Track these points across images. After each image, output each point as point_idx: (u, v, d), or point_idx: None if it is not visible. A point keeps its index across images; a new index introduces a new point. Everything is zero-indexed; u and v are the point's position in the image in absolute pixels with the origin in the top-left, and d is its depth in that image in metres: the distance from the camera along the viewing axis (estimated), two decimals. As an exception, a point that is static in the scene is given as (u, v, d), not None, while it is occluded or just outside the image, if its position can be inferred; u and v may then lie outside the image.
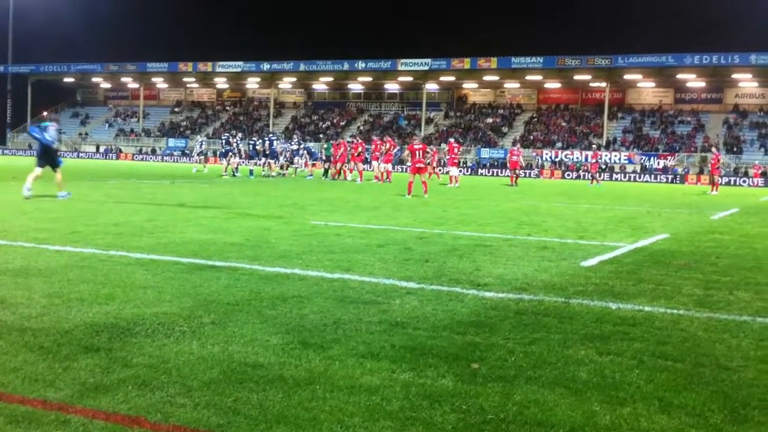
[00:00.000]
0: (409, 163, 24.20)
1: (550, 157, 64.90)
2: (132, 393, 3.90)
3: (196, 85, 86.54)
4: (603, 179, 51.91)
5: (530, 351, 5.01)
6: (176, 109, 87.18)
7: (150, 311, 5.70)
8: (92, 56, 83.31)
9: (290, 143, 38.61)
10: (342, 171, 35.78)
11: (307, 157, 38.17)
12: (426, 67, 69.18)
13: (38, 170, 17.06)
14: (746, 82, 64.88)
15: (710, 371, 4.72)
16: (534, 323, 5.80)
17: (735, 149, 61.44)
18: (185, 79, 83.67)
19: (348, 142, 37.26)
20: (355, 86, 79.60)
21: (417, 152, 23.36)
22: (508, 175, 37.70)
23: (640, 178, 59.17)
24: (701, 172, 57.22)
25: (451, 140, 38.51)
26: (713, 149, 45.70)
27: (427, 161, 26.81)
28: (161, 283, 6.84)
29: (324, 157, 37.55)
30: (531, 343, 5.22)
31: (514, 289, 7.18)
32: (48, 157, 17.38)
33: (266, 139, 38.00)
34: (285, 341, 5.01)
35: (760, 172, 56.27)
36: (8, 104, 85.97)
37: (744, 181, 55.75)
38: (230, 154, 36.62)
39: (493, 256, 9.49)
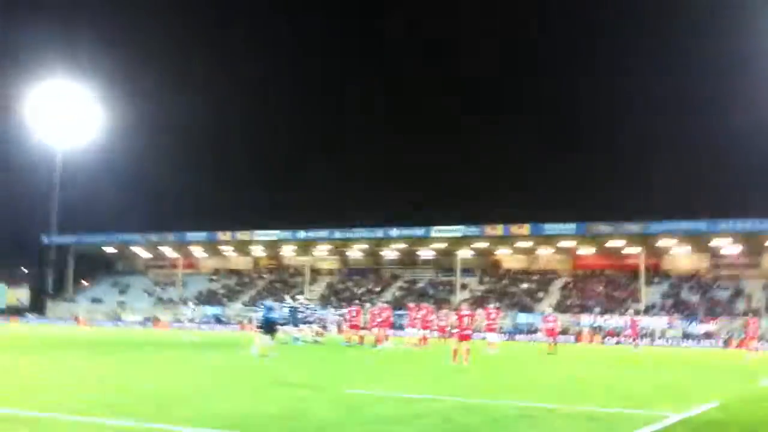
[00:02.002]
0: (456, 330, 23.68)
1: (589, 323, 64.01)
2: None
3: (233, 254, 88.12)
4: (644, 344, 50.83)
5: None
6: (213, 277, 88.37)
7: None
8: (132, 226, 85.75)
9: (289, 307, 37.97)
10: (362, 338, 35.33)
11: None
12: (459, 234, 70.00)
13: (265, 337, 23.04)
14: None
15: None
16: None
17: (775, 314, 60.24)
18: (222, 248, 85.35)
19: (372, 307, 37.11)
20: (389, 253, 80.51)
21: (465, 319, 22.96)
22: (546, 341, 36.71)
23: (681, 343, 57.86)
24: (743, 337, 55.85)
25: (489, 306, 38.24)
26: (750, 315, 44.91)
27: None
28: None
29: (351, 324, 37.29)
30: None
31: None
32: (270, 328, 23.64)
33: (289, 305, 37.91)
34: None
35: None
36: (50, 274, 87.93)
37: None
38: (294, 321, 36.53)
39: (536, 428, 9.17)
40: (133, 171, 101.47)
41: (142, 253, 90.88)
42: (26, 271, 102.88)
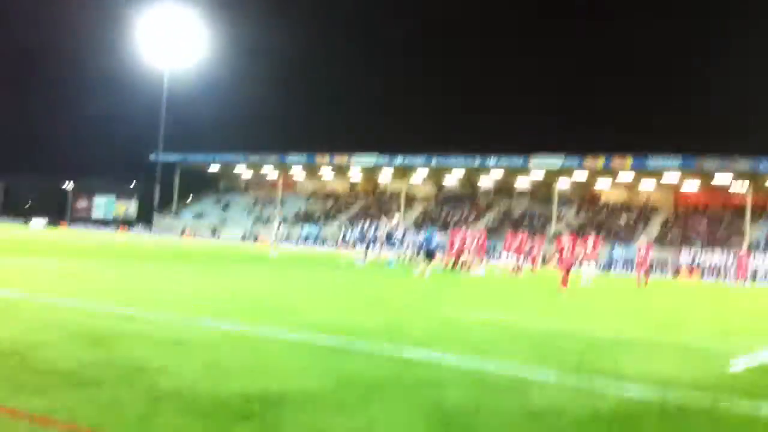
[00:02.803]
0: (559, 256, 23.77)
1: (689, 259, 62.55)
2: (287, 459, 4.09)
3: (331, 176, 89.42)
4: (747, 282, 49.52)
5: (678, 449, 4.88)
6: (311, 199, 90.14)
7: (296, 386, 5.92)
8: (235, 146, 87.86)
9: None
10: (463, 263, 35.43)
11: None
12: (558, 165, 68.89)
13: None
14: None
15: None
16: (679, 423, 5.64)
17: None
18: (321, 171, 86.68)
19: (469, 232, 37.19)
20: (486, 181, 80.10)
21: (567, 246, 23.01)
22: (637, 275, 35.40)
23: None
24: None
25: (587, 236, 37.56)
26: None
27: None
28: (305, 361, 7.09)
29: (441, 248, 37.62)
30: (679, 441, 5.09)
31: (657, 387, 6.99)
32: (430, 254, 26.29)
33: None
34: (428, 424, 5.10)
35: None
36: (157, 190, 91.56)
37: None
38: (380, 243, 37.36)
39: (634, 354, 9.27)
40: (236, 94, 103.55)
41: (244, 172, 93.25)
42: (134, 186, 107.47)
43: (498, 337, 10.03)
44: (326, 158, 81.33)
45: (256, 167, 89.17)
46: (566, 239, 23.35)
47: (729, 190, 68.47)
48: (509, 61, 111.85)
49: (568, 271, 22.49)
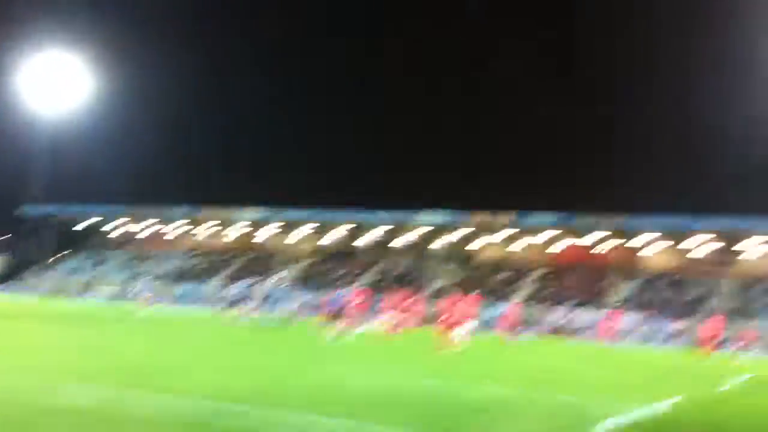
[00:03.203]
0: (443, 316, 23.77)
1: (561, 316, 64.65)
2: None
3: (211, 232, 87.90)
4: (614, 340, 51.49)
5: None
6: (190, 255, 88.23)
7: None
8: (112, 199, 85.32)
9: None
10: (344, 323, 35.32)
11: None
12: (440, 222, 70.30)
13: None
14: (758, 247, 65.32)
15: None
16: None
17: (748, 315, 61.12)
18: (201, 225, 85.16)
19: (347, 293, 37.19)
20: (369, 237, 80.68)
21: (450, 306, 23.13)
22: (505, 332, 35.97)
23: (650, 341, 58.56)
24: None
25: (467, 295, 38.08)
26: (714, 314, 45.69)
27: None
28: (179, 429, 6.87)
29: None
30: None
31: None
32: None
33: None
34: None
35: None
36: (29, 244, 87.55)
37: (757, 349, 54.98)
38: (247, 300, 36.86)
39: (509, 414, 9.45)
40: (115, 145, 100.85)
41: (121, 226, 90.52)
42: (5, 240, 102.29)
43: (376, 400, 10.03)
44: (207, 212, 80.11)
45: (133, 221, 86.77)
46: (449, 298, 23.67)
47: (600, 248, 71.53)
48: (393, 119, 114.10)
49: (449, 329, 22.77)
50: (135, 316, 32.87)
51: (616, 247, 67.93)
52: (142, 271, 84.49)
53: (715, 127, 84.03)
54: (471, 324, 33.48)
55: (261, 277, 68.85)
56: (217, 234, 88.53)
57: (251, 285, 39.00)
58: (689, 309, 63.82)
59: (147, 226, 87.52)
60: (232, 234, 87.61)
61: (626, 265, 70.29)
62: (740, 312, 61.35)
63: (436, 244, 74.27)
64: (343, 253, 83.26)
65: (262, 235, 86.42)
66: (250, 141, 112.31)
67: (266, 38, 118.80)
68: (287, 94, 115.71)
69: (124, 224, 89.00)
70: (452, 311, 23.06)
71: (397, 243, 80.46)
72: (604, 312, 51.54)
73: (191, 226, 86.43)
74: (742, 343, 40.37)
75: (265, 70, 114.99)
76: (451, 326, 22.79)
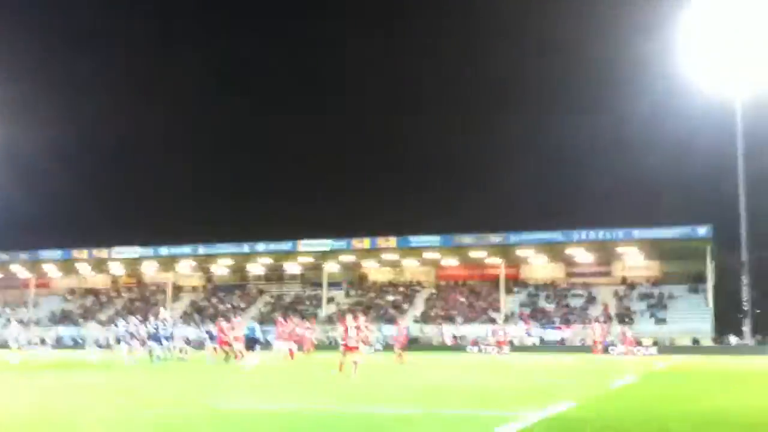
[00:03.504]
0: (342, 341, 23.31)
1: (451, 332, 65.67)
2: None
3: (90, 272, 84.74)
4: (503, 351, 52.68)
5: None
6: (69, 297, 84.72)
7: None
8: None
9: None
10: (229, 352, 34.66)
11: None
12: (326, 248, 70.27)
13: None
14: (632, 256, 68.42)
15: None
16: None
17: (627, 319, 63.82)
18: (79, 266, 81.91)
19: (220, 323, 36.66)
20: (256, 268, 79.71)
21: (349, 329, 22.78)
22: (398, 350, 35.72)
23: (538, 349, 60.22)
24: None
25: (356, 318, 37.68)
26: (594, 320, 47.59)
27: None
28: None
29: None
30: None
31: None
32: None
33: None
34: None
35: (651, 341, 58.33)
36: None
37: (638, 350, 57.43)
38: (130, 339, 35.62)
39: (410, 430, 9.46)
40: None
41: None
42: None
43: (276, 428, 9.85)
44: (84, 253, 77.17)
45: (4, 265, 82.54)
46: (349, 320, 23.32)
47: (484, 264, 73.23)
48: (270, 147, 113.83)
49: (348, 352, 22.50)
50: (9, 364, 31.05)
51: (499, 263, 69.65)
52: (18, 316, 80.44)
53: (585, 145, 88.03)
54: (367, 346, 33.53)
55: (145, 315, 66.88)
56: (96, 273, 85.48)
57: (136, 324, 37.74)
58: (573, 317, 66.09)
59: (20, 270, 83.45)
60: (112, 273, 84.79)
61: (511, 278, 72.16)
62: (620, 317, 64.01)
63: (324, 271, 74.16)
64: (230, 286, 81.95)
65: (143, 273, 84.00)
66: (121, 179, 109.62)
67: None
68: (157, 130, 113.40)
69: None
70: (346, 335, 22.81)
71: (285, 272, 79.91)
72: (492, 325, 52.67)
73: (68, 268, 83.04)
74: (624, 346, 42.12)
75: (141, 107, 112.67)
76: (349, 349, 22.55)
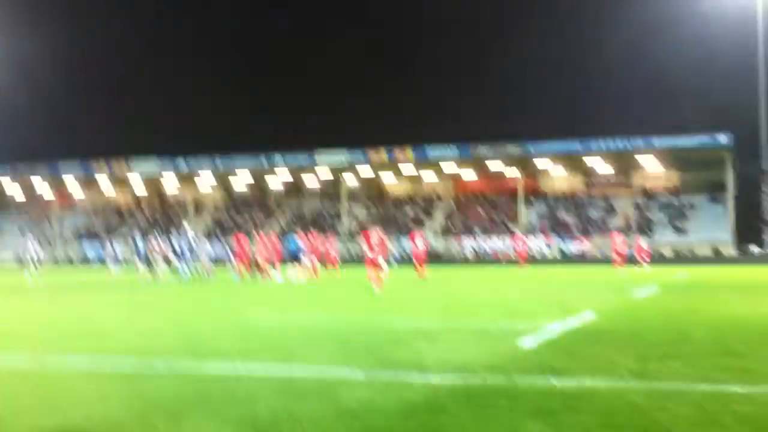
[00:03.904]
0: (368, 254, 23.08)
1: (471, 245, 66.09)
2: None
3: (111, 187, 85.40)
4: (523, 264, 53.00)
5: (484, 428, 5.12)
6: (91, 214, 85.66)
7: (100, 415, 5.60)
8: (1, 159, 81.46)
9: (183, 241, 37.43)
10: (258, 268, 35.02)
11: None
12: (343, 160, 70.24)
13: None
14: (652, 165, 67.92)
15: (658, 438, 4.92)
16: (483, 403, 5.93)
17: (647, 230, 63.82)
18: (99, 181, 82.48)
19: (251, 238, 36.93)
20: (275, 182, 79.95)
21: (375, 244, 22.66)
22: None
23: (558, 261, 60.60)
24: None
25: (368, 231, 37.41)
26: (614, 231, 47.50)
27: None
28: (106, 388, 6.72)
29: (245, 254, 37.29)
30: (484, 420, 5.34)
31: (459, 372, 7.31)
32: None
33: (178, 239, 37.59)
34: (243, 437, 5.01)
35: (672, 251, 58.43)
36: None
37: (654, 261, 57.67)
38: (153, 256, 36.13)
39: (433, 342, 9.63)
40: (1, 101, 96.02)
41: (13, 188, 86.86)
42: None
43: (302, 340, 10.05)
44: (104, 166, 77.60)
45: (25, 182, 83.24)
46: (374, 234, 23.17)
47: (503, 175, 72.95)
48: (289, 59, 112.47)
49: (374, 266, 22.45)
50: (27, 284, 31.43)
51: (518, 174, 69.37)
52: (41, 233, 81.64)
53: (603, 53, 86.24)
54: (387, 260, 33.53)
55: (167, 231, 67.56)
56: (117, 190, 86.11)
57: (156, 239, 38.17)
58: (593, 228, 66.16)
59: (41, 186, 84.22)
60: (133, 190, 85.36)
61: (529, 190, 71.97)
62: (640, 227, 63.99)
63: (343, 184, 74.29)
64: (250, 200, 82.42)
65: (164, 188, 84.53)
66: (141, 89, 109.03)
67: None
68: (181, 42, 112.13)
69: (16, 185, 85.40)
70: (372, 249, 22.62)
71: (304, 185, 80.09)
72: (512, 238, 52.86)
73: (89, 185, 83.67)
74: (644, 256, 42.18)
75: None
76: (374, 264, 22.42)
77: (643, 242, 43.28)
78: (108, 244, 49.73)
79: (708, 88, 73.42)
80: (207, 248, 38.30)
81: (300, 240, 34.70)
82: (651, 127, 66.95)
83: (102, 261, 71.47)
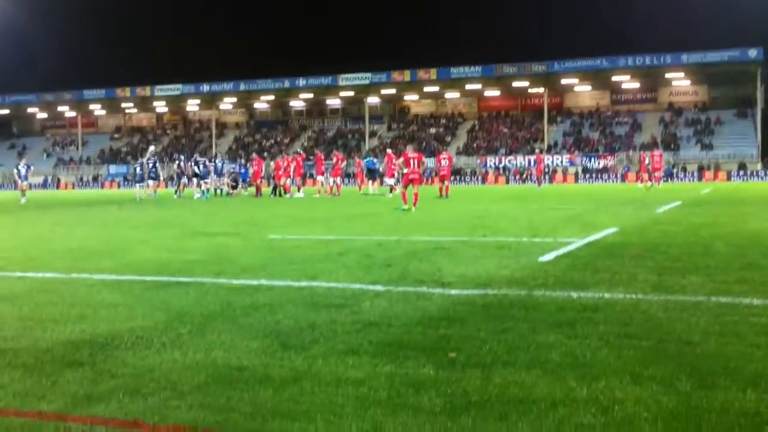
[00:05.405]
0: (405, 171, 22.76)
1: (494, 164, 65.79)
2: (124, 400, 3.98)
3: (134, 110, 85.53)
4: (545, 182, 52.78)
5: (502, 339, 5.20)
6: (116, 136, 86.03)
7: (125, 326, 5.74)
8: (27, 86, 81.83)
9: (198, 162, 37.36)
10: (277, 187, 35.20)
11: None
12: (367, 81, 69.59)
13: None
14: (679, 81, 66.67)
15: (674, 346, 4.96)
16: (502, 315, 6.00)
17: (672, 146, 63.09)
18: (123, 105, 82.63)
19: (282, 157, 37.19)
20: (297, 103, 79.60)
21: (412, 161, 22.40)
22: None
23: (582, 179, 60.29)
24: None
25: (389, 151, 37.38)
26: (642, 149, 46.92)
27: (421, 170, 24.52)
28: (130, 301, 6.86)
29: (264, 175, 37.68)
30: (502, 332, 5.41)
31: (478, 286, 7.38)
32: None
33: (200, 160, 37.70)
34: (265, 345, 5.12)
35: (696, 166, 57.84)
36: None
37: (682, 177, 57.19)
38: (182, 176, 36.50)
39: (453, 257, 9.69)
40: (27, 30, 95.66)
41: (39, 114, 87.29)
42: None
43: (324, 256, 10.16)
44: (127, 91, 77.63)
45: (51, 107, 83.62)
46: (410, 151, 22.75)
47: (527, 94, 72.08)
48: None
49: (413, 184, 22.19)
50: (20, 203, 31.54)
51: (542, 93, 68.48)
52: (67, 157, 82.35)
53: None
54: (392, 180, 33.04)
55: (189, 153, 67.75)
56: (141, 112, 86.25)
57: (181, 161, 38.39)
58: (618, 144, 65.51)
59: (66, 111, 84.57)
60: (156, 111, 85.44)
61: (553, 108, 71.13)
62: (665, 143, 63.22)
63: (365, 105, 73.82)
64: (272, 122, 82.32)
65: (186, 110, 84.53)
66: (160, 16, 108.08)
67: None
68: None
69: (42, 110, 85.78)
70: (409, 167, 22.24)
71: (327, 106, 79.71)
72: (535, 155, 52.54)
73: (113, 107, 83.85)
74: (666, 172, 41.78)
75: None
76: (414, 182, 22.09)
77: (662, 159, 42.38)
78: (132, 166, 50.00)
79: (737, 1, 71.36)
80: (229, 168, 38.51)
81: (374, 161, 36.06)
82: (679, 43, 65.51)
83: (126, 181, 72.16)
